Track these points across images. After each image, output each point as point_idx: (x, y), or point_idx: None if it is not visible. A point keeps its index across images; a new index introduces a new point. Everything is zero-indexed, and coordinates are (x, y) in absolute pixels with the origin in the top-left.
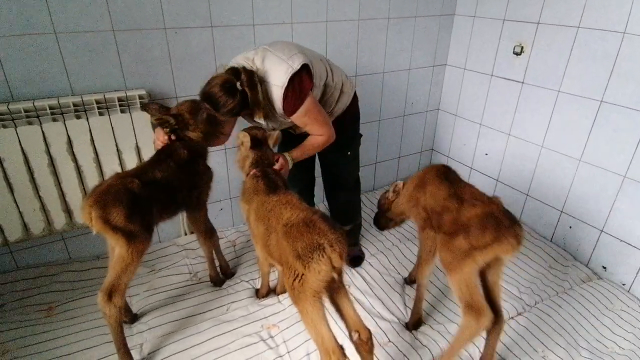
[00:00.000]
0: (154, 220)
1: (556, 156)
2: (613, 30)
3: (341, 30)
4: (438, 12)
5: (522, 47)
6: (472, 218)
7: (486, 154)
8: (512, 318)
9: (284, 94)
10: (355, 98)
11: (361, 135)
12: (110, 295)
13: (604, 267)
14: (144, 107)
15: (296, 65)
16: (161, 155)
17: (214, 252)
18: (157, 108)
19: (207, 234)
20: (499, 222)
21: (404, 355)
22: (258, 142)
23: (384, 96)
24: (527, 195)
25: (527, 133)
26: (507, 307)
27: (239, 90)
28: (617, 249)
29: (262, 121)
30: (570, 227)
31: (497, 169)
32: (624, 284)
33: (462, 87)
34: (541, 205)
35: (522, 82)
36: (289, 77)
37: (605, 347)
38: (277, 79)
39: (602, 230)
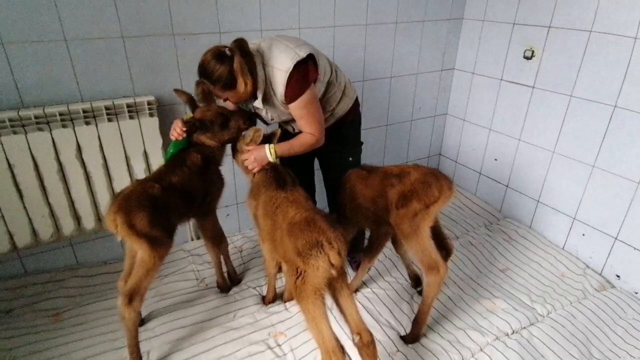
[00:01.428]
0: (174, 224)
1: (568, 162)
2: (625, 35)
3: (349, 35)
4: (446, 16)
5: (532, 51)
6: (414, 183)
7: (496, 160)
8: (524, 328)
9: (287, 79)
10: (357, 104)
11: (362, 143)
12: (131, 298)
13: (618, 276)
14: (177, 91)
15: (302, 54)
16: (177, 160)
17: (222, 258)
18: (188, 98)
19: (216, 240)
20: (435, 177)
21: None
22: (266, 138)
23: (391, 101)
24: (539, 201)
25: (538, 138)
26: (519, 316)
27: (228, 56)
28: (632, 256)
29: (261, 105)
30: (583, 234)
31: (507, 174)
32: (637, 293)
33: (471, 91)
34: (553, 212)
35: (533, 87)
36: (294, 63)
37: (617, 356)
38: (282, 64)
39: (615, 238)
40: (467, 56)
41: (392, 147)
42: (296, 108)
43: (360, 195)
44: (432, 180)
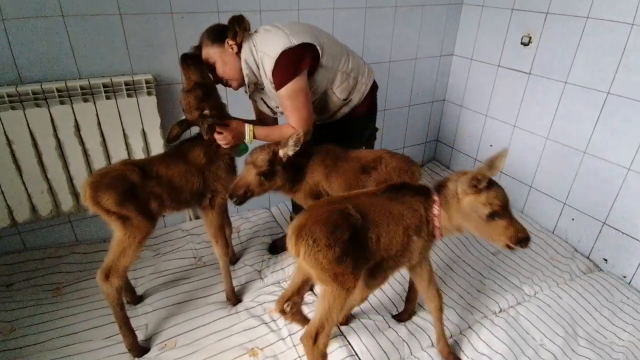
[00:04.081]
0: (154, 210)
1: (561, 148)
2: (622, 22)
3: (348, 17)
4: (446, 0)
5: (530, 38)
6: (390, 171)
7: (491, 146)
8: (511, 307)
9: (274, 64)
10: (373, 90)
11: (377, 129)
12: (107, 275)
13: (605, 260)
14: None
15: (295, 41)
16: (177, 151)
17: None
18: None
19: (215, 238)
20: (408, 163)
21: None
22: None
23: (389, 86)
24: (531, 187)
25: (532, 124)
26: (507, 296)
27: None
28: (619, 241)
29: (250, 90)
30: (572, 219)
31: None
32: (624, 277)
33: (469, 77)
34: (544, 197)
35: (529, 73)
36: (282, 50)
37: (604, 337)
38: (271, 50)
39: (604, 223)
40: (466, 42)
41: (389, 132)
42: (282, 97)
43: (325, 178)
44: (406, 167)
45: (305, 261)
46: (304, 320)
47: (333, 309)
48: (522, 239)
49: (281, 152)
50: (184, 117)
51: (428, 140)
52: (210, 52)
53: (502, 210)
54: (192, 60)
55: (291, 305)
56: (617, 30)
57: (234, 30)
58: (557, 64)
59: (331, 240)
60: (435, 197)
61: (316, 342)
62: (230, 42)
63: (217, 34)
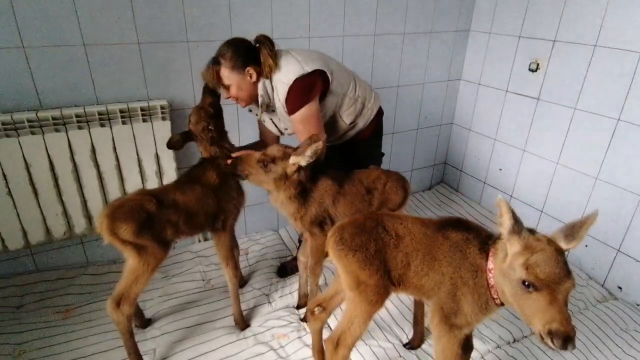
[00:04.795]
0: (169, 237)
1: (572, 174)
2: (630, 50)
3: (357, 44)
4: (453, 28)
5: (537, 64)
6: (387, 189)
7: (500, 169)
8: (525, 336)
9: (288, 91)
10: (379, 116)
11: (383, 154)
12: (119, 303)
13: (620, 288)
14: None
15: (308, 68)
16: (191, 176)
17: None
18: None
19: (226, 261)
20: (399, 180)
21: None
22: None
23: (397, 109)
24: (542, 212)
25: (542, 149)
26: (520, 325)
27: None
28: (634, 268)
29: (265, 114)
30: (586, 245)
31: (512, 184)
32: (638, 305)
33: (477, 102)
34: (556, 223)
35: (538, 99)
36: (296, 77)
37: None
38: (285, 77)
39: (618, 250)
40: (474, 67)
41: (398, 155)
42: (295, 121)
43: (333, 203)
44: (399, 184)
45: (333, 258)
46: (319, 337)
47: (355, 319)
48: (557, 332)
49: (293, 159)
50: (187, 130)
51: (436, 163)
52: (228, 76)
53: (543, 283)
54: (214, 91)
55: (321, 310)
56: (625, 59)
57: (259, 62)
58: (566, 90)
59: (356, 243)
60: (494, 247)
61: (337, 349)
62: (252, 72)
63: (238, 60)
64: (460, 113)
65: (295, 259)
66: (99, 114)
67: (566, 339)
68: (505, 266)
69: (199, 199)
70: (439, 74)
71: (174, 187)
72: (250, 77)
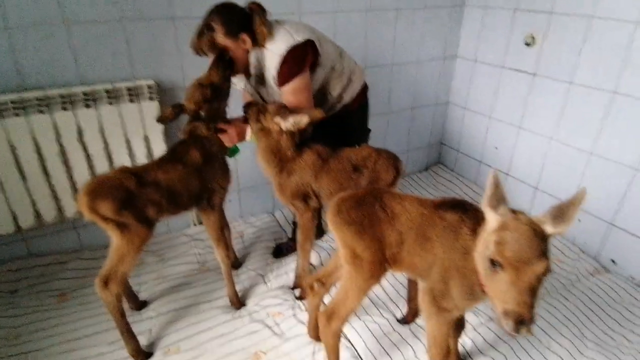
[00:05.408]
0: (152, 217)
1: (567, 149)
2: (626, 20)
3: (349, 21)
4: (448, 3)
5: (533, 38)
6: (377, 168)
7: (496, 148)
8: None
9: (280, 62)
10: (364, 90)
11: (369, 131)
12: (106, 282)
13: (613, 261)
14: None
15: (299, 38)
16: (174, 155)
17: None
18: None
19: (217, 241)
20: (390, 157)
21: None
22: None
23: (392, 89)
24: (536, 188)
25: (537, 125)
26: None
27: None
28: (627, 242)
29: (250, 84)
30: (579, 220)
31: (507, 162)
32: (633, 278)
33: (472, 79)
34: (550, 198)
35: (534, 74)
36: (289, 48)
37: (612, 339)
38: (277, 48)
39: (611, 224)
40: (469, 43)
41: (393, 135)
42: (286, 93)
43: (315, 179)
44: (391, 162)
45: (332, 229)
46: (316, 313)
47: (349, 293)
48: (511, 313)
49: (276, 119)
50: (181, 102)
51: (432, 143)
52: (222, 42)
53: (508, 262)
54: (225, 63)
55: (320, 285)
56: (621, 29)
57: (253, 29)
58: (562, 64)
59: (352, 217)
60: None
61: (330, 322)
62: (245, 38)
63: (232, 25)
64: (456, 91)
65: (291, 239)
66: (84, 94)
67: (520, 322)
68: (481, 245)
69: (181, 177)
70: (434, 52)
71: (156, 165)
72: (244, 43)
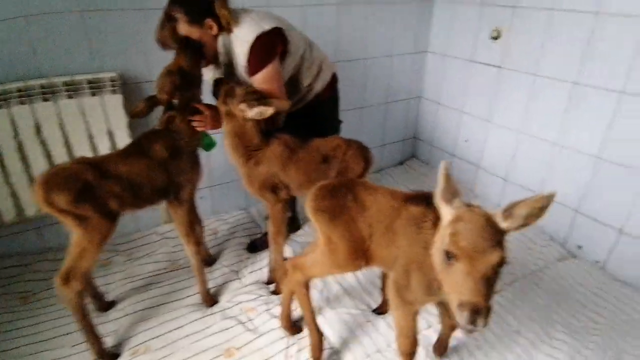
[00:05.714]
0: (113, 209)
1: (534, 140)
2: (586, 11)
3: (319, 14)
4: None
5: (498, 32)
6: (347, 158)
7: (465, 141)
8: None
9: (249, 50)
10: (334, 80)
11: (341, 122)
12: (66, 279)
13: (579, 246)
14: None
15: (267, 26)
16: (137, 147)
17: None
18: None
19: (186, 237)
20: (360, 147)
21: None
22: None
23: (365, 84)
24: (506, 180)
25: (505, 118)
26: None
27: None
28: (592, 228)
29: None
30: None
31: (478, 155)
32: (598, 262)
33: (444, 74)
34: (519, 189)
35: (500, 67)
36: (256, 35)
37: (579, 322)
38: (245, 35)
39: (577, 211)
40: (439, 38)
41: (367, 130)
42: (257, 82)
43: (283, 170)
44: (362, 153)
45: (309, 214)
46: (289, 302)
47: (319, 265)
48: (466, 304)
49: (242, 106)
50: (153, 94)
51: (406, 138)
52: (188, 31)
53: (463, 252)
54: (192, 48)
55: (296, 272)
56: (581, 20)
57: (216, 13)
58: (526, 57)
59: (324, 205)
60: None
61: (294, 272)
62: (211, 24)
63: (194, 12)
64: (428, 85)
65: (265, 234)
66: (42, 87)
67: (475, 312)
68: (436, 239)
69: (144, 171)
70: (405, 46)
71: (118, 157)
72: (211, 28)
